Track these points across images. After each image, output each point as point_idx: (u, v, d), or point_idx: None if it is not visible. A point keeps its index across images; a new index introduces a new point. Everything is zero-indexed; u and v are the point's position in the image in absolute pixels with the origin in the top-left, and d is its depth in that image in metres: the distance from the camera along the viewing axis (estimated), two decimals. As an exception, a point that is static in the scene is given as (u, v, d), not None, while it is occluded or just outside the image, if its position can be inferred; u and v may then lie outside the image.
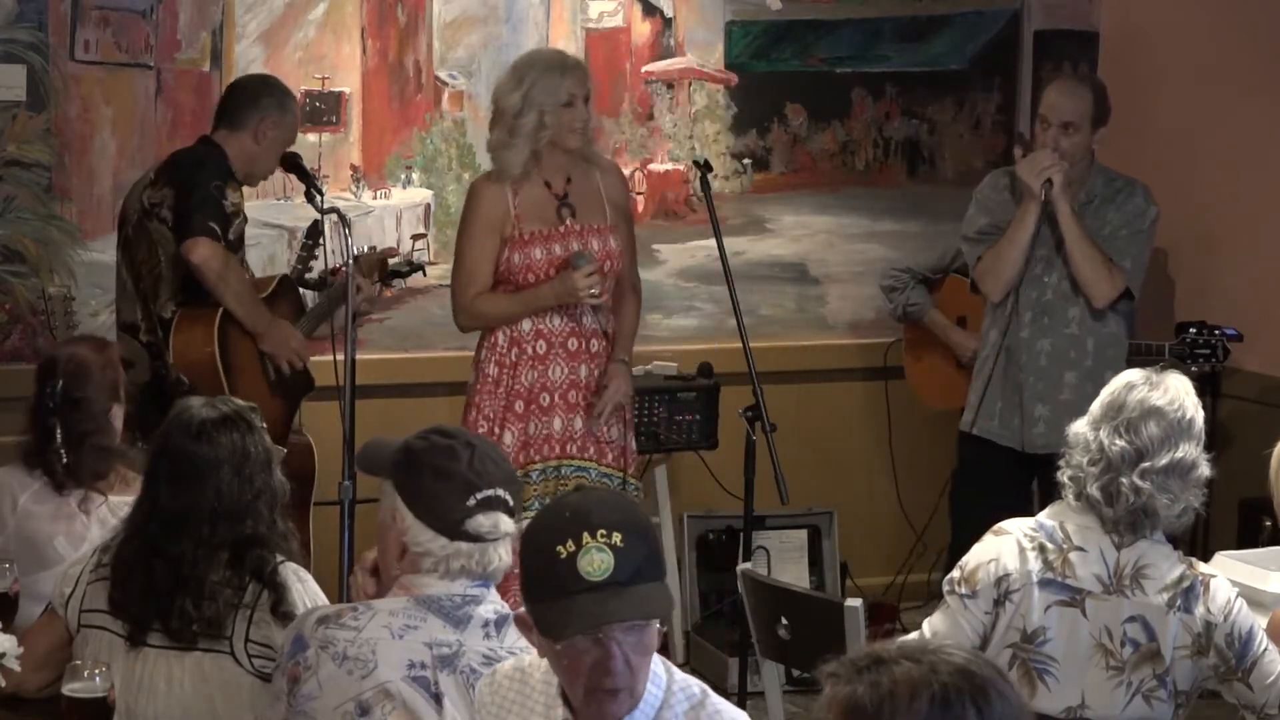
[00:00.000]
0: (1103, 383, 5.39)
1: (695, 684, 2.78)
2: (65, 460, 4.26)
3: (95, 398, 4.31)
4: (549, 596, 2.65)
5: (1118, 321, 5.50)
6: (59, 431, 4.26)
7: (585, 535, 2.62)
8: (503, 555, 3.16)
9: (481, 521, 3.11)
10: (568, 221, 5.22)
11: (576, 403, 5.21)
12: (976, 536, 5.60)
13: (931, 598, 5.89)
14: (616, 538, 2.62)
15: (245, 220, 5.32)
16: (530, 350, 5.20)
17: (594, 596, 2.60)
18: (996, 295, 5.49)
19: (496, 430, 5.17)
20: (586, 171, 5.26)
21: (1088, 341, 5.47)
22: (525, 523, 2.92)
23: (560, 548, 2.62)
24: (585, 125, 5.21)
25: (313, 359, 5.49)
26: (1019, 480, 5.51)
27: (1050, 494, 5.47)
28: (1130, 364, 5.13)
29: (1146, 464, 3.64)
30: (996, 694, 2.14)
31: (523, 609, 2.75)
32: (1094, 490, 3.68)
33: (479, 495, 3.11)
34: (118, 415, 4.36)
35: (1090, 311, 5.44)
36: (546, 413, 5.20)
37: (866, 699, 2.10)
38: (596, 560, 2.61)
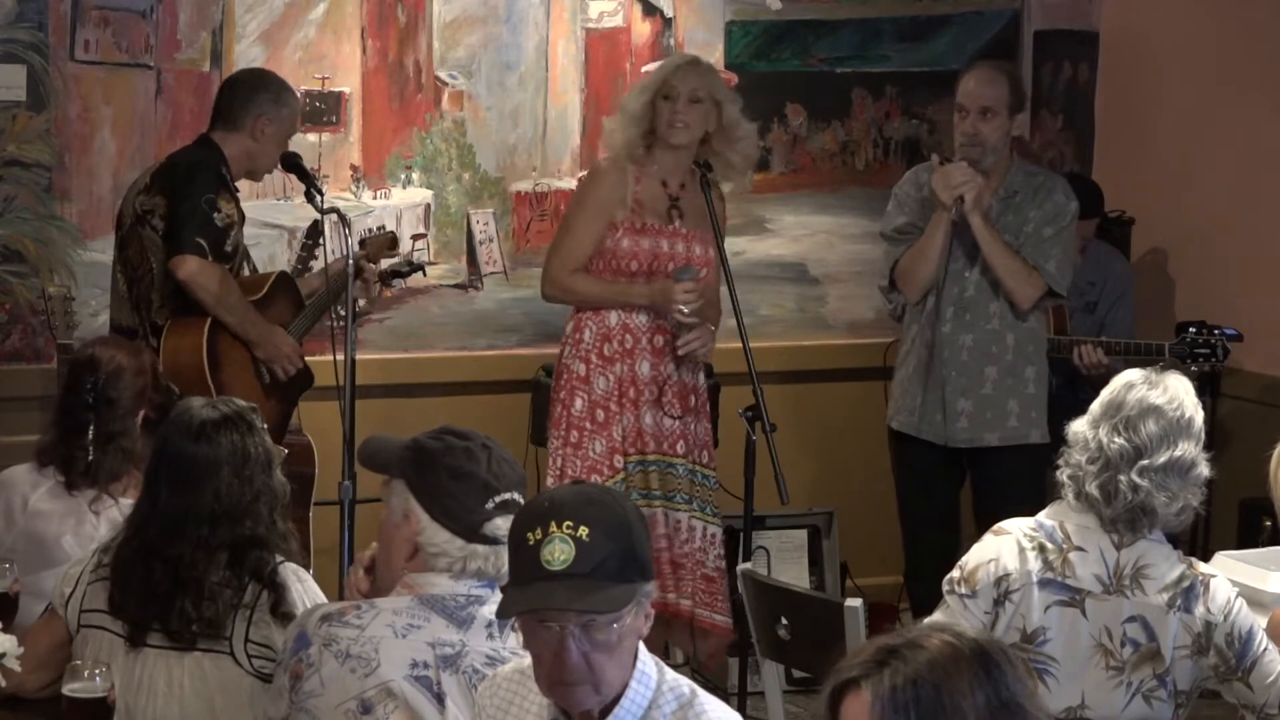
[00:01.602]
0: (1023, 377, 5.55)
1: (685, 683, 2.79)
2: (90, 457, 4.26)
3: (126, 400, 4.33)
4: (514, 581, 2.70)
5: (1036, 316, 5.60)
6: (90, 429, 4.26)
7: (552, 524, 2.65)
8: None
9: (499, 524, 3.12)
10: (676, 222, 5.32)
11: (658, 398, 5.27)
12: (920, 531, 5.68)
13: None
14: (583, 531, 2.65)
15: (242, 223, 5.31)
16: (618, 344, 5.25)
17: (545, 585, 2.63)
18: (914, 298, 5.59)
19: (591, 427, 5.21)
20: (698, 185, 5.33)
21: (1008, 336, 5.54)
22: None
23: (530, 534, 2.67)
24: (691, 125, 5.28)
25: (312, 359, 5.49)
26: (946, 473, 5.63)
27: (979, 486, 5.59)
28: (1130, 364, 5.14)
29: (1145, 462, 3.64)
30: (1010, 654, 2.17)
31: None
32: (1092, 488, 3.68)
33: (498, 498, 3.13)
34: (138, 420, 4.38)
35: (1010, 307, 5.49)
36: (634, 406, 5.25)
37: (910, 681, 2.09)
38: (557, 550, 2.64)
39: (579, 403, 5.27)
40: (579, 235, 5.32)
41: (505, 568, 3.14)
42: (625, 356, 5.27)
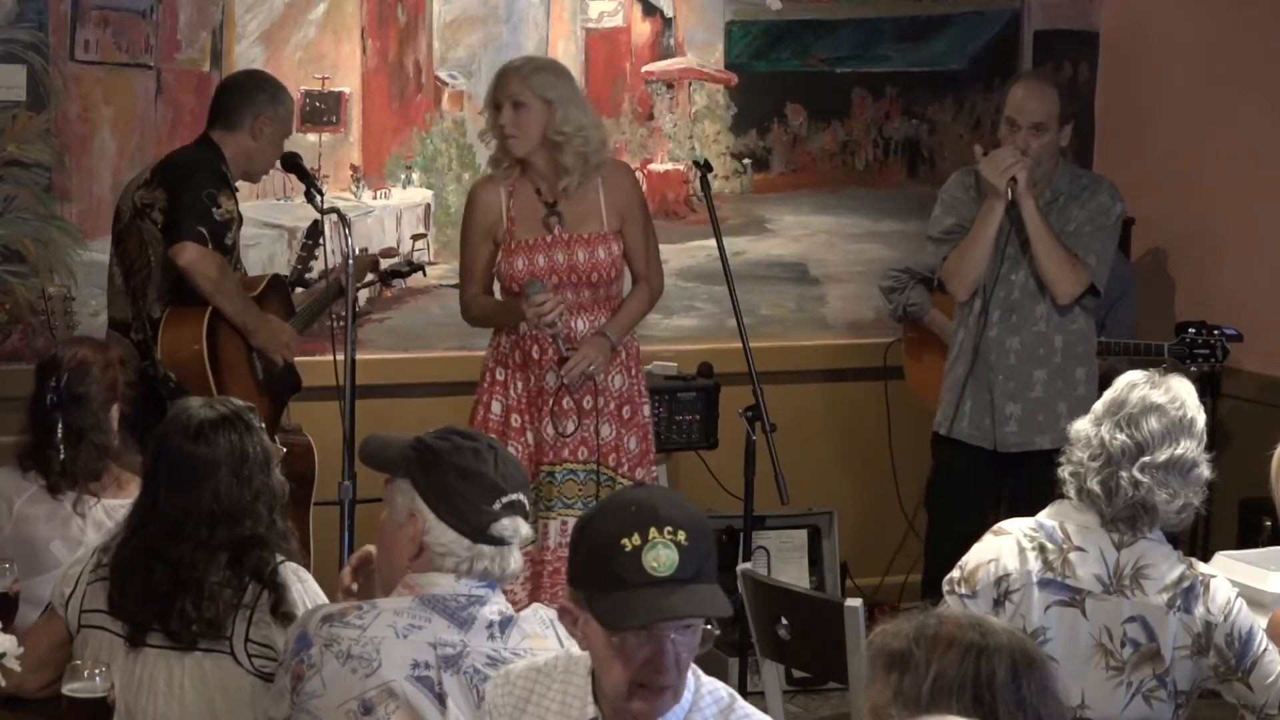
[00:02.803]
0: (1072, 379, 5.49)
1: (722, 688, 2.80)
2: (63, 457, 4.26)
3: (95, 395, 4.33)
4: (609, 587, 2.65)
5: (1085, 318, 5.53)
6: (60, 427, 4.26)
7: (652, 530, 2.64)
8: (518, 559, 3.18)
9: (505, 525, 3.13)
10: (555, 230, 5.22)
11: (573, 408, 5.23)
12: (951, 536, 5.62)
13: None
14: (681, 535, 2.64)
15: (240, 222, 5.31)
16: (528, 353, 5.23)
17: (657, 591, 2.62)
18: (962, 294, 5.51)
19: (509, 432, 5.20)
20: (585, 178, 5.23)
21: (1056, 338, 5.48)
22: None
23: (625, 540, 2.64)
24: (521, 132, 5.17)
25: (312, 359, 5.49)
26: (990, 480, 5.55)
27: (1021, 492, 5.53)
28: (1130, 365, 5.12)
29: (1146, 458, 3.65)
30: (1041, 668, 2.20)
31: (564, 600, 2.75)
32: (1094, 485, 3.69)
33: (504, 499, 3.14)
34: (114, 415, 4.38)
35: (1057, 308, 5.46)
36: (538, 418, 5.23)
37: (908, 635, 2.15)
38: (663, 556, 2.63)
39: (496, 406, 5.25)
40: (467, 260, 5.32)
41: (510, 569, 3.15)
42: (536, 366, 5.24)
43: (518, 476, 3.18)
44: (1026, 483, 5.50)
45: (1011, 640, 2.23)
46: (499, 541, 3.13)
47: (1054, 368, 5.46)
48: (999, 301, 5.47)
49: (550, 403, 5.20)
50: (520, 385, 5.23)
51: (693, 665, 2.77)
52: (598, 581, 2.67)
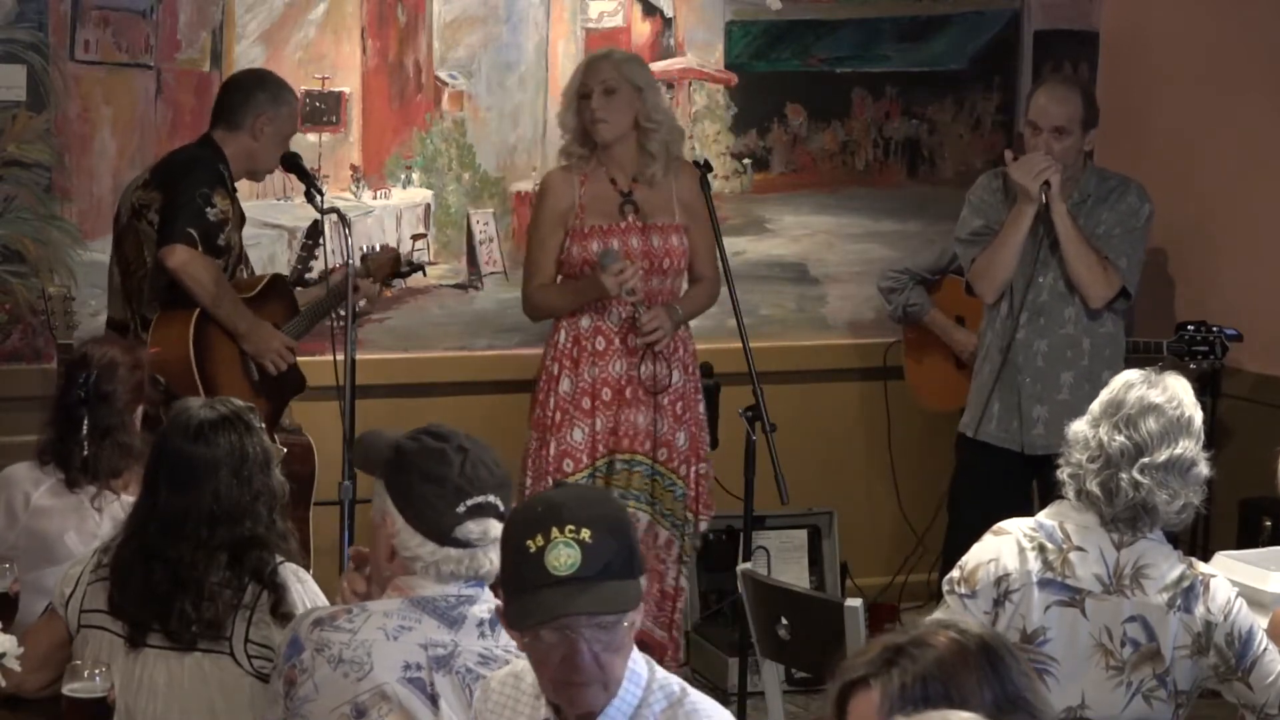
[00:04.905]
0: (1100, 382, 5.38)
1: (675, 682, 2.79)
2: (85, 453, 4.27)
3: (121, 395, 4.35)
4: (518, 590, 2.68)
5: (1114, 321, 5.50)
6: (85, 424, 4.28)
7: (554, 530, 2.63)
8: (493, 559, 3.15)
9: (471, 528, 3.10)
10: (630, 218, 5.32)
11: (634, 398, 5.30)
12: (973, 539, 5.59)
13: (931, 598, 5.89)
14: (585, 533, 2.63)
15: (239, 222, 5.31)
16: (590, 346, 5.28)
17: (558, 591, 2.62)
18: (990, 296, 5.49)
19: (565, 427, 5.24)
20: (657, 172, 5.34)
21: (1084, 341, 5.46)
22: None
23: (530, 542, 2.64)
24: (611, 118, 5.27)
25: (311, 358, 5.49)
26: (1017, 482, 5.50)
27: (1049, 494, 5.48)
28: (1129, 362, 5.12)
29: (1145, 459, 3.65)
30: (1014, 649, 2.18)
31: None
32: (1093, 486, 3.69)
33: (469, 502, 3.10)
34: (138, 416, 4.40)
35: (1086, 311, 5.44)
36: (609, 407, 5.30)
37: (919, 679, 2.09)
38: (563, 555, 2.63)
39: (551, 402, 5.33)
40: (537, 251, 5.39)
41: (482, 570, 3.13)
42: (598, 359, 5.30)
43: (488, 478, 3.13)
44: (1056, 484, 5.47)
45: (979, 629, 2.21)
46: (464, 545, 3.11)
47: (1081, 370, 5.44)
48: (1028, 304, 5.45)
49: (626, 392, 5.29)
50: (570, 382, 5.30)
51: (648, 660, 2.78)
52: (511, 585, 2.70)
